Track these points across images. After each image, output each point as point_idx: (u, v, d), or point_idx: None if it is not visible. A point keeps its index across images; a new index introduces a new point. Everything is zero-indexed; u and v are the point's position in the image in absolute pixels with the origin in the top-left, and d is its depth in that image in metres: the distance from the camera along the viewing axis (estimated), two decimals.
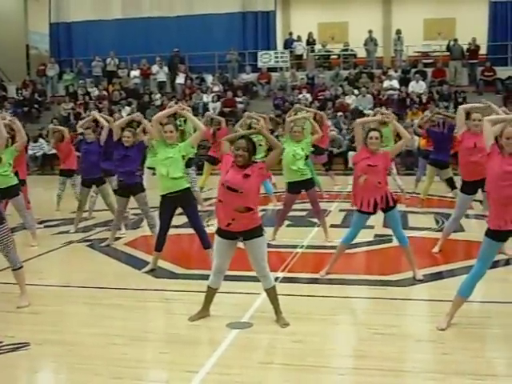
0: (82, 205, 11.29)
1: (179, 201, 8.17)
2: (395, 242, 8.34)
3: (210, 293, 6.46)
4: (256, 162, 6.13)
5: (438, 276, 8.02)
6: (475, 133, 8.35)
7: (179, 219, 9.56)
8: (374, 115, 11.52)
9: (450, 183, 11.93)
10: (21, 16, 31.51)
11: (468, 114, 8.65)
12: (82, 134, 11.83)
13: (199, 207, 12.94)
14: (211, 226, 10.23)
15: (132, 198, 9.68)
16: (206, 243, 8.28)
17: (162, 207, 8.19)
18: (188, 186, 8.35)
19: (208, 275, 6.49)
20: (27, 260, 8.98)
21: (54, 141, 13.40)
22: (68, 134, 13.00)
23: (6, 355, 5.63)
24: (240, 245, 6.27)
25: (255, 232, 6.12)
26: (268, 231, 9.49)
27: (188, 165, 11.15)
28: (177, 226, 10.15)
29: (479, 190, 8.71)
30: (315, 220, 10.55)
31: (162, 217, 8.22)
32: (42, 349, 5.83)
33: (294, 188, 9.80)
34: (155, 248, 8.39)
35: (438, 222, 11.38)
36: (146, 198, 9.57)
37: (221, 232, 6.17)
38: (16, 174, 10.01)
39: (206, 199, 13.65)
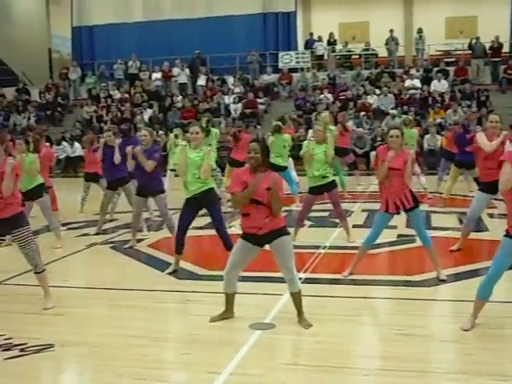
0: (105, 207, 11.35)
1: (203, 201, 8.18)
2: (418, 242, 8.30)
3: (228, 298, 6.47)
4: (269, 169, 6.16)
5: (462, 276, 7.95)
6: (492, 134, 8.30)
7: (201, 220, 9.57)
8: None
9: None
10: (43, 20, 31.80)
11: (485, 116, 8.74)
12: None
13: (223, 208, 13.03)
14: (233, 228, 10.24)
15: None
16: (228, 244, 8.28)
17: (185, 208, 8.21)
18: (212, 186, 8.36)
19: None
20: (51, 262, 9.05)
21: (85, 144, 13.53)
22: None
23: (31, 356, 5.67)
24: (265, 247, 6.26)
25: (281, 231, 6.12)
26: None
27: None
28: (199, 228, 10.17)
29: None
30: (338, 220, 10.51)
31: (183, 218, 8.23)
32: (66, 350, 5.85)
33: (315, 190, 9.78)
34: (175, 250, 8.41)
35: (461, 221, 11.28)
36: (164, 200, 9.59)
37: (247, 237, 6.15)
38: None
39: (229, 200, 13.64)
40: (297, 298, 6.30)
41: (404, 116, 17.02)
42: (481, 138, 8.47)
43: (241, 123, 15.70)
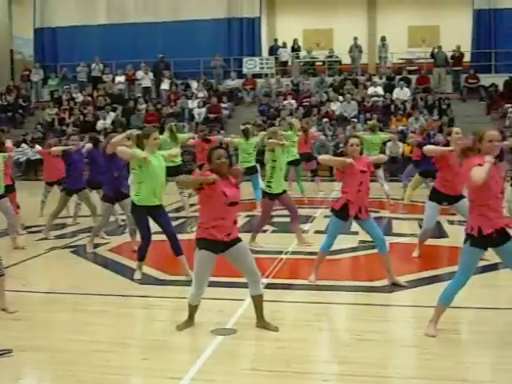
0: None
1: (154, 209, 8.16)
2: None
3: (194, 309, 6.40)
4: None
5: (422, 282, 8.04)
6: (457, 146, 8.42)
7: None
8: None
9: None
10: (5, 21, 31.34)
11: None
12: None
13: (185, 213, 13.00)
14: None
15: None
16: (178, 250, 8.23)
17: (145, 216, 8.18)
18: None
19: (191, 281, 6.49)
20: (11, 266, 8.93)
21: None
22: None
23: None
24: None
25: (238, 237, 6.21)
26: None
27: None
28: (159, 232, 10.14)
29: None
30: (301, 226, 10.55)
31: (145, 225, 8.21)
32: (25, 356, 5.78)
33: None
34: (139, 257, 8.37)
35: (421, 227, 11.41)
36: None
37: (212, 245, 6.08)
38: None
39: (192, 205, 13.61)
40: (259, 300, 6.32)
41: (370, 122, 17.13)
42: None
43: (204, 127, 15.70)
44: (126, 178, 10.12)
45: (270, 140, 9.68)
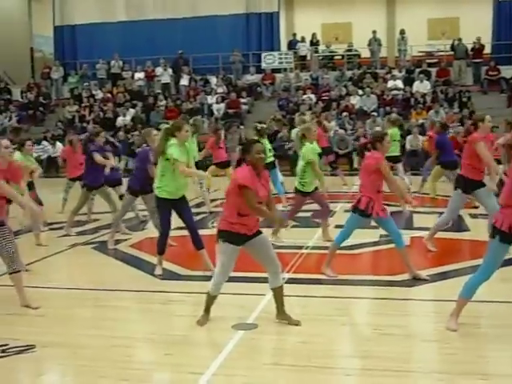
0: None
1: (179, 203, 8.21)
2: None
3: (213, 301, 6.41)
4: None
5: (444, 276, 7.99)
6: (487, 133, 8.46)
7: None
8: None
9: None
10: (25, 19, 31.57)
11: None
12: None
13: (206, 208, 13.00)
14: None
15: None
16: (199, 244, 8.26)
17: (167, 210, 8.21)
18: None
19: (211, 276, 6.50)
20: (33, 262, 9.00)
21: None
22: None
23: (12, 358, 5.63)
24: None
25: (259, 229, 6.27)
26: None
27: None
28: (180, 228, 10.15)
29: None
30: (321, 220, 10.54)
31: (167, 219, 8.24)
32: (48, 351, 5.83)
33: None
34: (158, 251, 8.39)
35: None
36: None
37: (235, 238, 6.09)
38: None
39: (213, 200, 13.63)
40: (280, 292, 6.32)
41: (393, 116, 16.99)
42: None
43: (219, 126, 15.62)
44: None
45: (311, 160, 9.68)
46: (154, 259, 8.68)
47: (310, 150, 9.67)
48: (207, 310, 6.39)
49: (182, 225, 8.38)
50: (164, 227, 8.24)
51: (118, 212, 10.44)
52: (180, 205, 8.15)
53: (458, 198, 8.77)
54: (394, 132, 13.96)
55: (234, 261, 6.21)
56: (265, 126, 13.29)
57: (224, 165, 13.46)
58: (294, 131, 13.22)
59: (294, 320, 6.28)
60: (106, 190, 11.26)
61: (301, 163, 9.73)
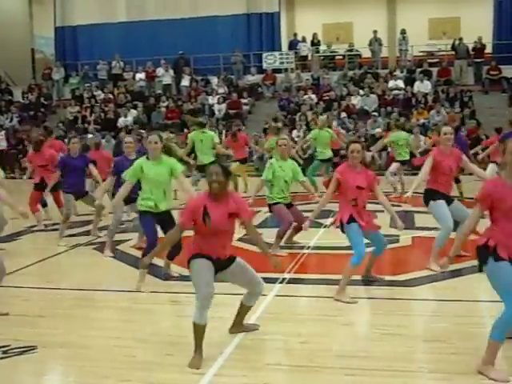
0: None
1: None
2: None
3: (203, 332, 5.51)
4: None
5: (445, 276, 7.98)
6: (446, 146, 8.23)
7: None
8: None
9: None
10: (26, 20, 31.61)
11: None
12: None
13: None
14: None
15: None
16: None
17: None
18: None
19: None
20: (35, 263, 9.02)
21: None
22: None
23: (13, 359, 5.64)
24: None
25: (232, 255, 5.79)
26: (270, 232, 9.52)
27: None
28: None
29: None
30: (321, 221, 10.54)
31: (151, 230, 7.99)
32: (50, 352, 5.84)
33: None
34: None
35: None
36: None
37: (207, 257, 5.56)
38: None
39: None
40: (247, 311, 6.10)
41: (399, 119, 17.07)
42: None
43: (239, 122, 15.65)
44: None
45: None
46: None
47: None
48: (199, 345, 5.50)
49: None
50: (150, 238, 7.93)
51: (112, 220, 10.28)
52: (163, 217, 7.86)
53: (436, 208, 8.31)
54: (398, 136, 14.19)
55: (211, 279, 5.57)
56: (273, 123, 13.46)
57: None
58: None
59: (252, 326, 6.17)
60: (91, 197, 11.07)
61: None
